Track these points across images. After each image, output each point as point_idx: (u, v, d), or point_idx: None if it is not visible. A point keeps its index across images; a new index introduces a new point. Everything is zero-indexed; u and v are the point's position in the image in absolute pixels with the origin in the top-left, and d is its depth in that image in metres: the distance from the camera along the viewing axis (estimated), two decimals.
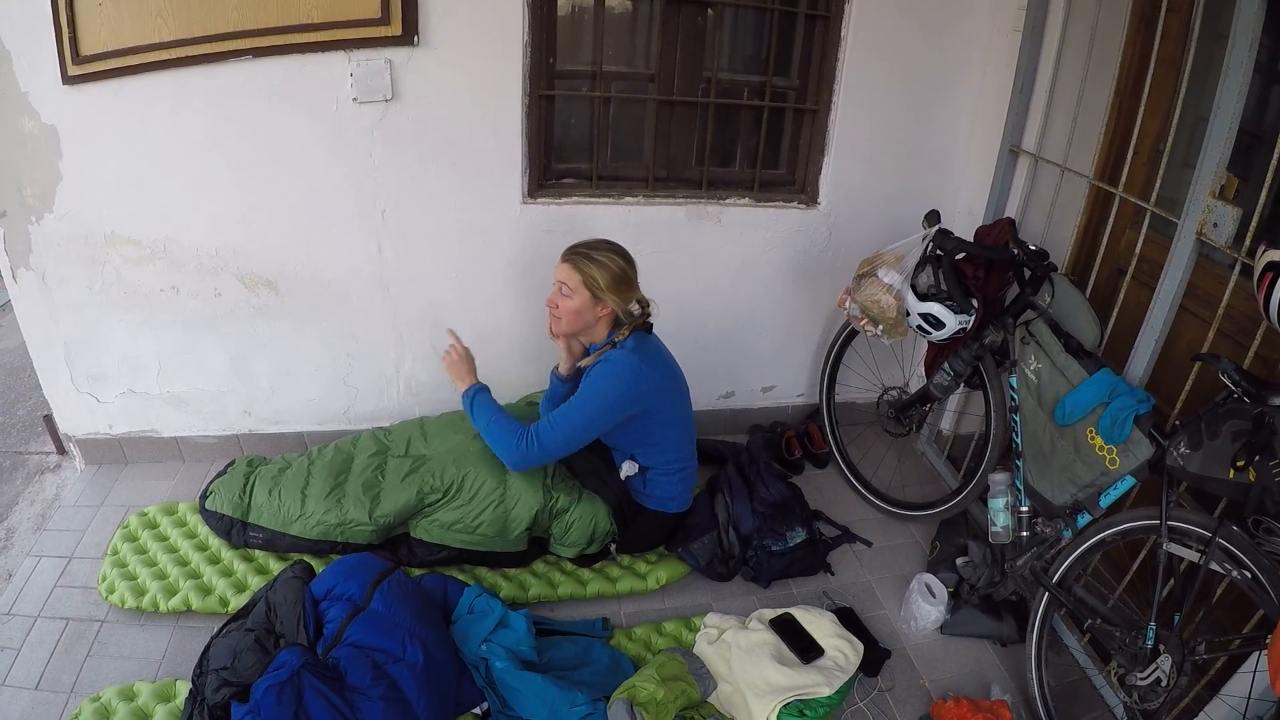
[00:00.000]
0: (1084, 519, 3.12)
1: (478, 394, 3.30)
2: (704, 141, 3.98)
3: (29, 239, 3.78)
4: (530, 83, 3.62)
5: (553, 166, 3.89)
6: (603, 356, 3.17)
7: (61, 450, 4.69)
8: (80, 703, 3.03)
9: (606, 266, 3.09)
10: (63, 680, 3.24)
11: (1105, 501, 3.04)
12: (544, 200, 3.79)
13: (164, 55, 3.45)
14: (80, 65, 3.49)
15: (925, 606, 3.39)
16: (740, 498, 3.63)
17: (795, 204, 4.06)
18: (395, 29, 3.41)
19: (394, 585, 2.93)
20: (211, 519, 3.59)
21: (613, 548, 3.45)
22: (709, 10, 3.77)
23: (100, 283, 3.86)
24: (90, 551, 3.85)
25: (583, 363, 3.30)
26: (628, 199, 3.85)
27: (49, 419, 4.61)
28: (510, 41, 3.52)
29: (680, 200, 3.91)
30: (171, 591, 3.44)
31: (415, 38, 3.43)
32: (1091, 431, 3.03)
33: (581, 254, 3.12)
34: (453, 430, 3.56)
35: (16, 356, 6.49)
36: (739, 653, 3.07)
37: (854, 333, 4.07)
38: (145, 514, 3.88)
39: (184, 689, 3.03)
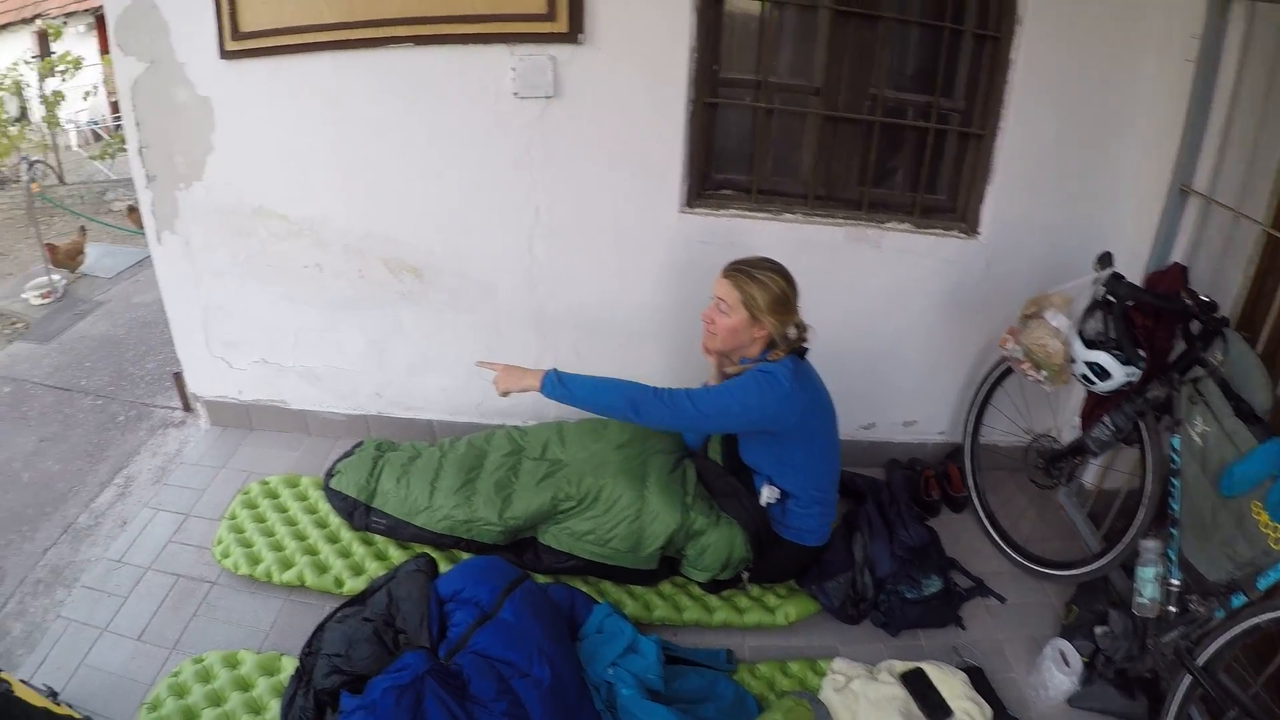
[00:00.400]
0: (1239, 600, 2.81)
1: (560, 372, 3.03)
2: (866, 161, 3.80)
3: (176, 205, 3.83)
4: (695, 89, 3.50)
5: (712, 176, 3.77)
6: (758, 366, 3.03)
7: (188, 408, 4.73)
8: (182, 661, 3.04)
9: (767, 287, 2.95)
10: (166, 635, 3.26)
11: (1263, 584, 2.72)
12: (702, 210, 3.67)
13: (324, 37, 3.45)
14: (239, 41, 3.51)
15: (1059, 675, 3.18)
16: (879, 538, 3.47)
17: (954, 232, 3.86)
18: (561, 25, 3.33)
19: (525, 595, 2.85)
20: (335, 498, 3.57)
21: (745, 576, 3.32)
22: (878, 24, 3.59)
23: (245, 254, 3.89)
24: (207, 512, 3.87)
25: (730, 369, 3.16)
26: (786, 215, 3.71)
27: (178, 377, 4.64)
28: (677, 45, 3.40)
29: (839, 220, 3.75)
30: (286, 564, 3.42)
31: (580, 36, 3.35)
32: (1257, 506, 2.75)
33: (743, 271, 2.98)
34: (593, 438, 3.46)
35: (150, 311, 6.59)
36: (867, 705, 2.92)
37: (1006, 373, 3.86)
38: (267, 483, 3.89)
39: (289, 665, 3.02)
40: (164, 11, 3.50)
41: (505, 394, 3.10)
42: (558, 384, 2.99)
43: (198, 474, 4.15)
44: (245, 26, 3.49)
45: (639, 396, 2.92)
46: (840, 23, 3.57)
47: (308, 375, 4.18)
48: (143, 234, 7.88)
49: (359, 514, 3.49)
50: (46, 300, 7.53)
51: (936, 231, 3.85)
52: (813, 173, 3.77)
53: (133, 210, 9.17)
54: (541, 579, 3.29)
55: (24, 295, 7.67)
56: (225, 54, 3.54)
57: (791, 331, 3.04)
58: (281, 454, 4.22)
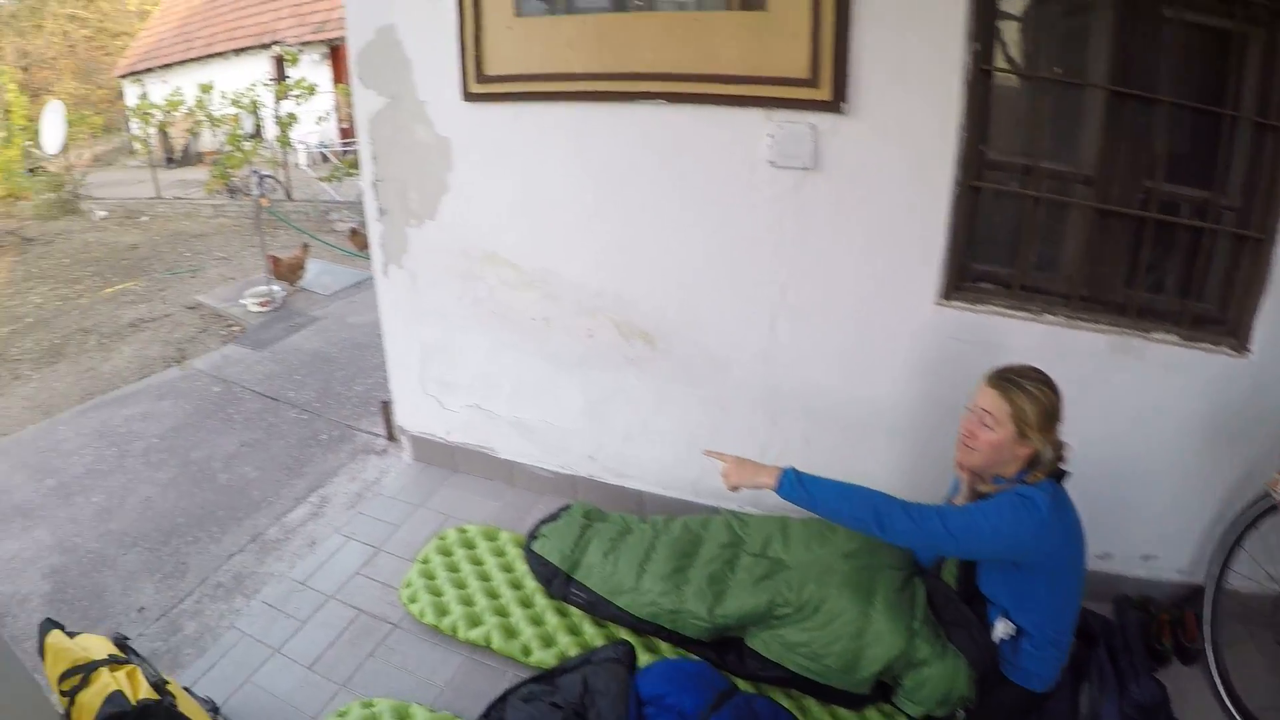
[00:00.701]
0: None
1: (799, 472, 2.75)
2: (1136, 260, 3.44)
3: (406, 241, 3.84)
4: (961, 170, 3.21)
5: (970, 267, 3.47)
6: (1016, 488, 2.71)
7: (392, 438, 4.72)
8: (351, 702, 2.96)
9: (1038, 400, 2.63)
10: (338, 670, 3.20)
11: None
12: (958, 304, 3.37)
13: (570, 86, 3.37)
14: (482, 84, 3.48)
15: None
16: (1109, 692, 3.09)
17: (1222, 347, 3.48)
18: (824, 93, 3.09)
19: (733, 712, 2.63)
20: (535, 561, 3.42)
21: (961, 716, 3.00)
22: (1155, 107, 3.23)
23: (471, 298, 3.86)
24: (400, 550, 3.81)
25: (983, 487, 2.86)
26: (1047, 317, 3.37)
27: (386, 406, 4.64)
28: (945, 121, 3.10)
29: (1103, 327, 3.39)
30: (474, 621, 3.29)
31: (843, 105, 3.09)
32: None
33: (1012, 382, 2.67)
34: (819, 541, 3.19)
35: (363, 333, 6.68)
36: None
37: (1266, 513, 3.45)
38: (465, 531, 3.78)
39: None
40: (407, 48, 3.52)
41: (735, 489, 2.85)
42: (796, 485, 2.72)
43: (394, 508, 4.12)
44: (490, 69, 3.45)
45: (885, 510, 2.64)
46: (1115, 104, 3.22)
47: (520, 426, 4.09)
48: (362, 256, 8.05)
49: (558, 582, 3.33)
50: (264, 309, 7.78)
51: (1204, 345, 3.47)
52: (1078, 270, 3.43)
53: (355, 233, 9.44)
54: (742, 685, 3.04)
55: (243, 301, 7.96)
56: (468, 96, 3.52)
57: (1049, 452, 2.74)
58: (482, 502, 4.12)
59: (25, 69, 31.27)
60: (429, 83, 3.54)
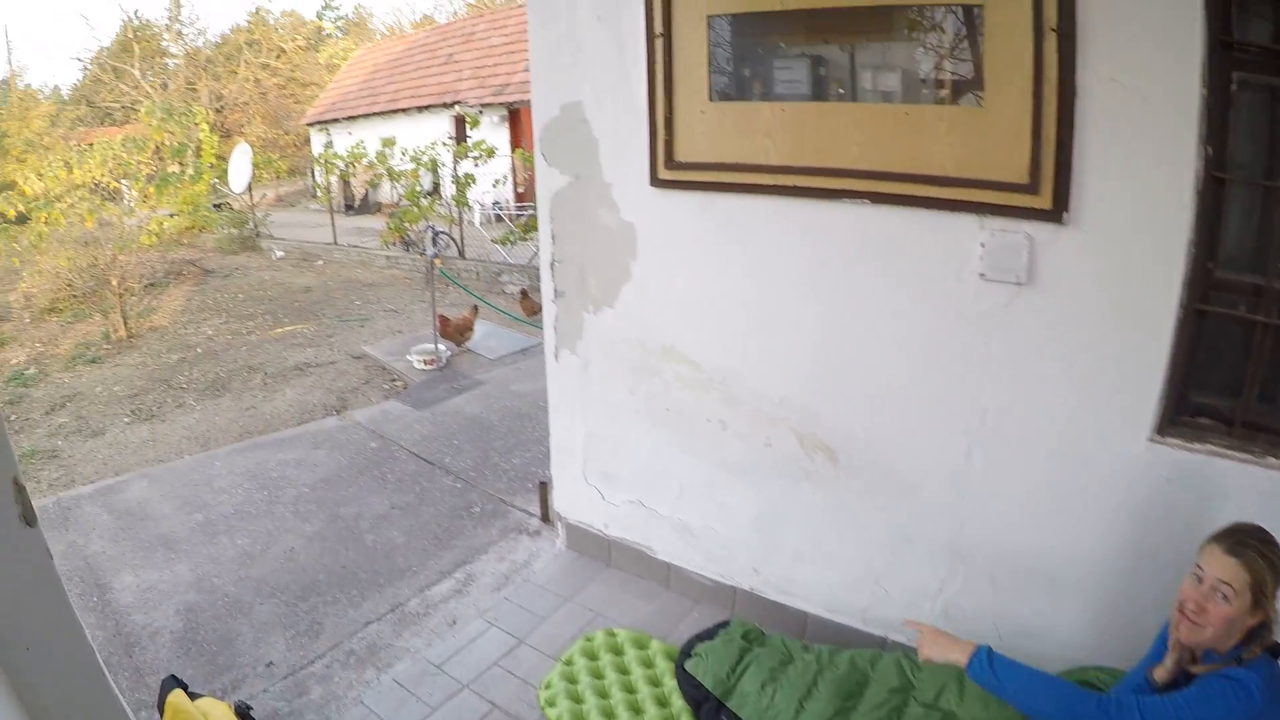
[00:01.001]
0: None
1: (993, 653, 2.59)
2: None
3: (581, 326, 3.72)
4: (1187, 290, 2.90)
5: (1189, 399, 3.14)
6: (1226, 670, 2.39)
7: (546, 520, 4.60)
8: None
9: (1276, 566, 2.33)
10: None
11: None
12: (1173, 441, 3.02)
13: (765, 179, 3.17)
14: (672, 170, 3.32)
15: None
16: None
17: None
18: (1044, 200, 2.79)
19: None
20: (686, 682, 3.19)
21: None
22: None
23: (644, 392, 3.69)
24: (543, 645, 3.63)
25: (1195, 668, 2.53)
26: (1270, 460, 3.02)
27: (544, 487, 4.53)
28: (1172, 235, 2.76)
29: None
30: None
31: (1064, 214, 2.80)
32: None
33: (1248, 545, 2.35)
34: (999, 702, 2.91)
35: (526, 403, 6.61)
36: None
37: None
38: (614, 635, 3.59)
39: None
40: (594, 127, 3.42)
41: (927, 661, 2.66)
42: (987, 667, 2.54)
43: (542, 598, 3.95)
44: (681, 156, 3.30)
45: (1080, 709, 2.40)
46: None
47: (682, 529, 3.88)
48: (530, 323, 8.01)
49: (708, 708, 3.10)
50: (429, 367, 7.81)
51: None
52: None
53: (525, 296, 9.46)
54: None
55: (409, 357, 8.01)
56: (656, 181, 3.38)
57: (1271, 623, 2.41)
58: (635, 603, 3.92)
59: (218, 110, 33.02)
60: (615, 164, 3.44)
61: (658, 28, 3.24)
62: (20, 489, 1.55)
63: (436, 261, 8.76)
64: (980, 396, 3.07)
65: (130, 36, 35.80)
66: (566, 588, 4.02)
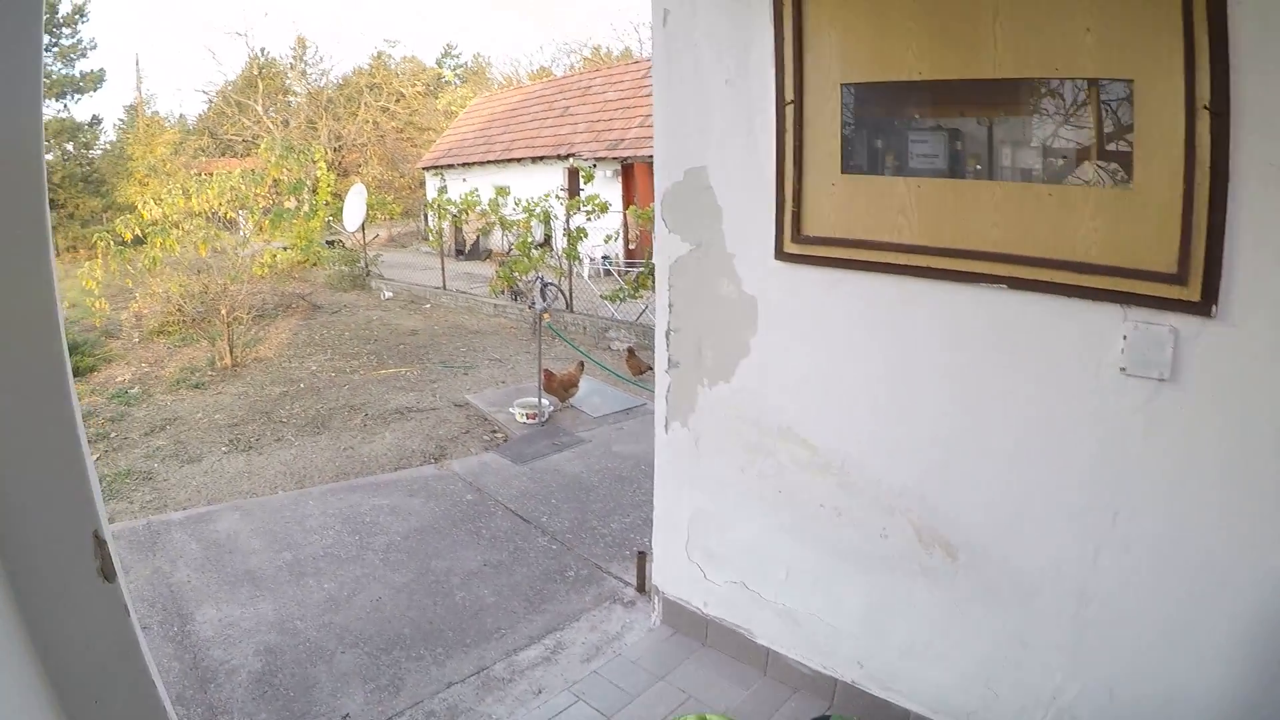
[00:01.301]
0: None
1: None
2: None
3: (694, 399, 3.61)
4: None
5: None
6: None
7: (642, 590, 4.49)
8: None
9: None
10: None
11: None
12: None
13: (898, 259, 3.03)
14: (799, 244, 3.21)
15: None
16: None
17: None
18: (1192, 292, 2.60)
19: None
20: None
21: None
22: None
23: (756, 471, 3.56)
24: None
25: None
26: None
27: (643, 557, 4.43)
28: None
29: None
30: None
31: (1213, 308, 2.60)
32: None
33: None
34: None
35: (627, 465, 6.52)
36: None
37: None
38: None
39: None
40: (718, 195, 3.33)
41: None
42: None
43: (633, 675, 3.82)
44: (809, 229, 3.18)
45: None
46: None
47: (785, 614, 3.72)
48: (636, 383, 7.94)
49: None
50: (531, 421, 7.79)
51: None
52: None
53: (631, 355, 9.42)
54: None
55: (511, 409, 8.00)
56: (782, 255, 3.26)
57: None
58: (730, 688, 3.76)
59: (337, 149, 34.00)
60: (739, 235, 3.34)
61: (788, 94, 3.15)
62: (101, 543, 1.51)
63: (545, 315, 8.75)
64: (1112, 497, 2.87)
65: (255, 73, 37.16)
66: (659, 665, 3.88)
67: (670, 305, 3.59)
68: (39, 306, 1.40)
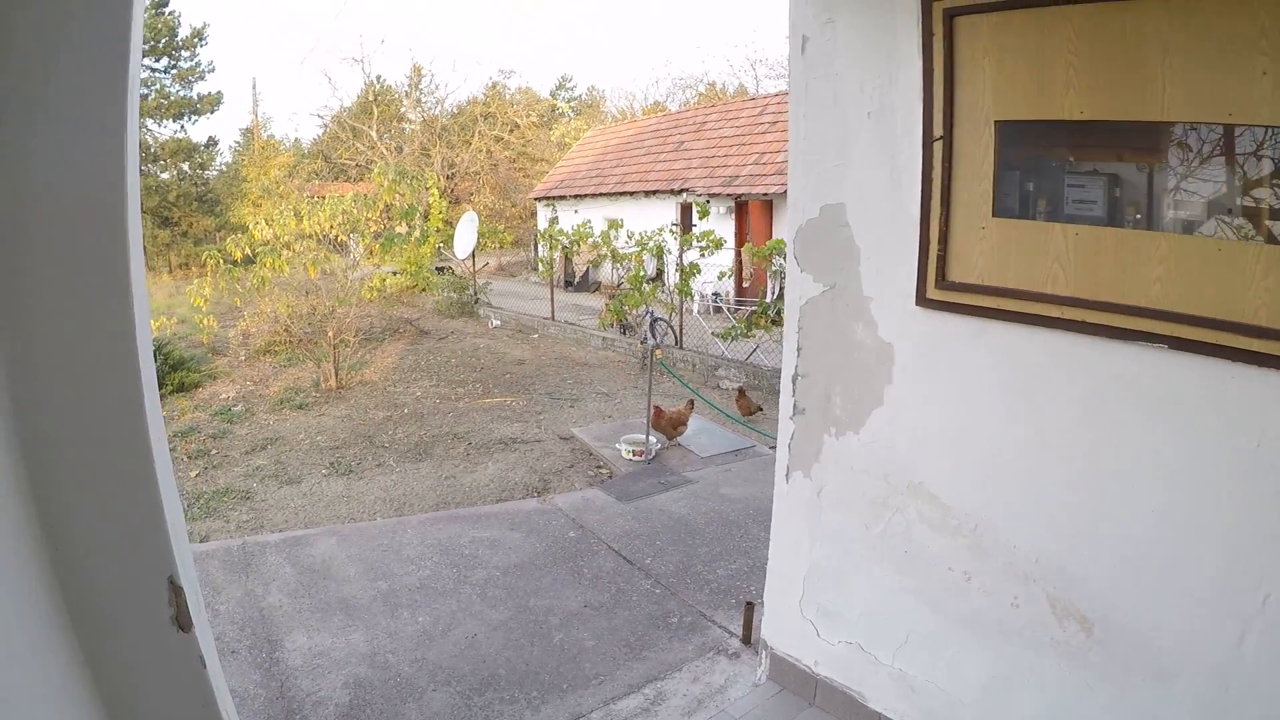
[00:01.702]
0: None
1: None
2: None
3: (819, 449, 3.45)
4: None
5: None
6: None
7: (748, 642, 4.32)
8: None
9: None
10: None
11: None
12: None
13: (1050, 311, 2.83)
14: (943, 290, 3.03)
15: None
16: None
17: None
18: None
19: None
20: None
21: None
22: None
23: (881, 529, 3.39)
24: None
25: None
26: None
27: (750, 607, 4.28)
28: None
29: None
30: None
31: None
32: None
33: None
34: None
35: (736, 509, 6.36)
36: None
37: None
38: None
39: None
40: (856, 234, 3.19)
41: None
42: None
43: None
44: (954, 275, 3.01)
45: None
46: None
47: (900, 680, 3.53)
48: (743, 423, 7.79)
49: None
50: (637, 458, 7.68)
51: None
52: None
53: (742, 394, 9.29)
54: None
55: (618, 445, 7.90)
56: (924, 301, 3.09)
57: None
58: None
59: (449, 177, 34.54)
60: (877, 277, 3.19)
61: (937, 130, 2.99)
62: (177, 590, 1.42)
63: (658, 352, 8.65)
64: (1262, 577, 2.65)
65: (371, 99, 37.96)
66: None
67: (799, 349, 3.45)
68: (117, 329, 1.31)
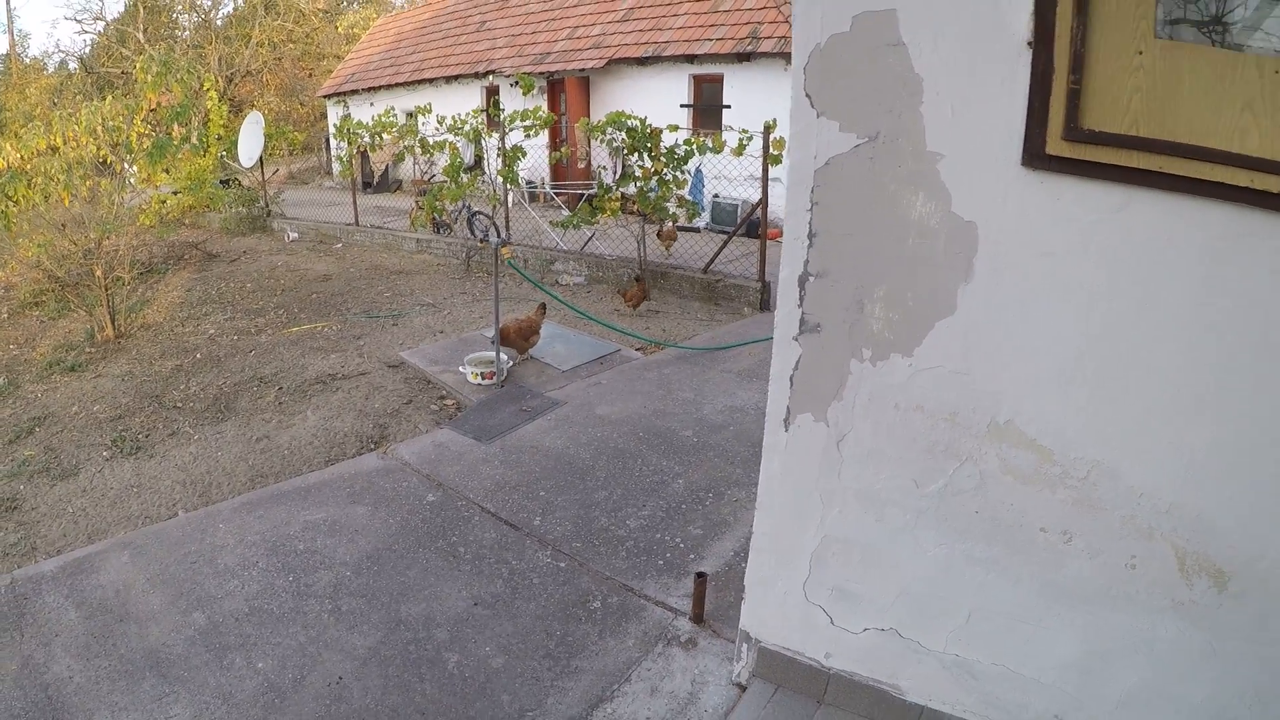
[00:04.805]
0: None
1: None
2: None
3: (843, 381, 2.67)
4: None
5: None
6: None
7: (698, 620, 3.59)
8: None
9: None
10: None
11: None
12: None
13: (1233, 177, 2.03)
14: (1073, 143, 2.17)
15: None
16: None
17: None
18: None
19: None
20: None
21: None
22: None
23: (941, 484, 2.64)
24: None
25: None
26: None
27: (702, 579, 3.57)
28: None
29: None
30: None
31: None
32: None
33: None
34: None
35: (623, 433, 5.56)
36: None
37: None
38: None
39: None
40: (916, 56, 2.30)
41: None
42: None
43: None
44: (1092, 120, 2.14)
45: None
46: None
47: (958, 667, 2.87)
48: (599, 321, 6.80)
49: None
50: (487, 381, 6.72)
51: None
52: None
53: (638, 282, 8.35)
54: None
55: (461, 369, 6.91)
56: (1039, 158, 2.22)
57: None
58: None
59: (229, 79, 32.60)
60: (952, 123, 2.31)
61: None
62: None
63: (505, 251, 7.57)
64: None
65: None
66: None
67: (811, 235, 2.55)
68: None
